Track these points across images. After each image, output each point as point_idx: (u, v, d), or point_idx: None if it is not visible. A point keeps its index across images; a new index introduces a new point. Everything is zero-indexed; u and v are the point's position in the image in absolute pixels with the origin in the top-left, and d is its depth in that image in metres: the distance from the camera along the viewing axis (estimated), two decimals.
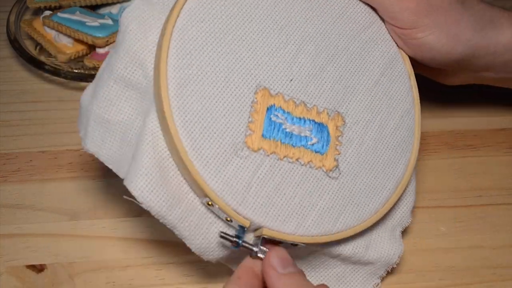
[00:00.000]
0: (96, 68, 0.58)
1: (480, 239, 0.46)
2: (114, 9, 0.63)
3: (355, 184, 0.40)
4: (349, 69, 0.42)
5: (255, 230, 0.37)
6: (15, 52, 0.59)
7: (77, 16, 0.60)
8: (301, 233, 0.38)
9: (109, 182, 0.50)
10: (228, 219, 0.36)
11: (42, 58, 0.59)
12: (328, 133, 0.40)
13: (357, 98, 0.41)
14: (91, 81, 0.56)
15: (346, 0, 0.43)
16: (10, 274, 0.43)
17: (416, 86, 0.44)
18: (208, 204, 0.36)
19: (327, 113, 0.40)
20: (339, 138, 0.40)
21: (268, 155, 0.37)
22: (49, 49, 0.60)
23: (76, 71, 0.58)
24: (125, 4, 0.63)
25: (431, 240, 0.46)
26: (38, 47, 0.61)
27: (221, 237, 0.36)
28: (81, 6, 0.62)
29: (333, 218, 0.39)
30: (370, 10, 0.43)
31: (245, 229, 0.36)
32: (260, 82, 0.38)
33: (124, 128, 0.38)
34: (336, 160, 0.40)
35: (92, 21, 0.59)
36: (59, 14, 0.60)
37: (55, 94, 0.58)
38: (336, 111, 0.40)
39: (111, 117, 0.38)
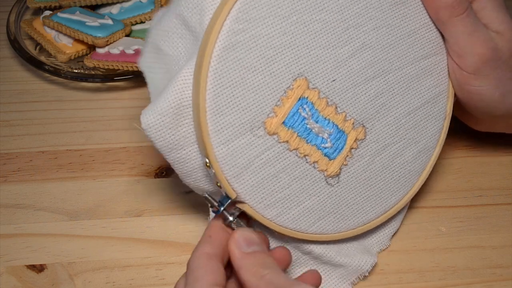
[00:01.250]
0: (96, 68, 0.58)
1: (480, 239, 0.46)
2: (114, 9, 0.63)
3: (346, 197, 0.41)
4: (393, 90, 0.41)
5: (238, 202, 0.38)
6: (15, 52, 0.59)
7: (77, 16, 0.60)
8: (277, 222, 0.39)
9: (109, 182, 0.50)
10: (219, 184, 0.37)
11: (42, 58, 0.59)
12: (345, 143, 0.40)
13: (387, 120, 0.41)
14: (91, 81, 0.57)
15: (422, 21, 0.41)
16: (10, 274, 0.43)
17: (447, 130, 0.44)
18: (206, 165, 0.37)
19: (353, 123, 0.40)
20: (353, 150, 0.40)
21: (280, 142, 0.38)
22: (49, 49, 0.60)
23: (76, 71, 0.58)
24: (125, 4, 0.63)
25: (431, 240, 0.46)
26: (38, 47, 0.61)
27: (206, 198, 0.37)
28: (81, 6, 0.62)
29: (312, 220, 0.40)
30: (439, 40, 0.42)
31: (230, 199, 0.37)
32: (303, 71, 0.38)
33: (171, 61, 0.39)
34: (341, 170, 0.40)
35: (92, 21, 0.59)
36: (59, 14, 0.60)
37: (55, 94, 0.58)
38: (362, 124, 0.40)
39: (164, 47, 0.39)
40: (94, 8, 0.63)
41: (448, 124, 0.44)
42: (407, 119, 0.42)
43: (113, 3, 0.63)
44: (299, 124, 0.38)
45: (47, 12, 0.62)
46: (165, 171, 0.51)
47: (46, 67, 0.57)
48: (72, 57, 0.60)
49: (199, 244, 0.36)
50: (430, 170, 0.44)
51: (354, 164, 0.40)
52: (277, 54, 0.37)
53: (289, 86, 0.38)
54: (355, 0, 0.39)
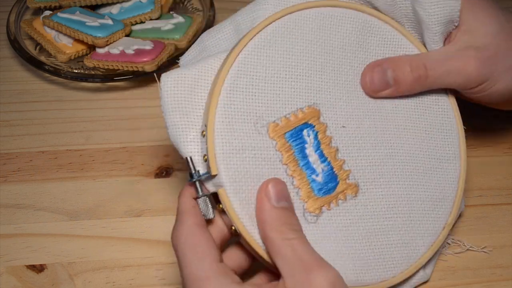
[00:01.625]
0: (96, 68, 0.58)
1: (480, 239, 0.46)
2: (114, 9, 0.63)
3: (316, 240, 0.37)
4: (398, 172, 0.41)
5: (217, 186, 0.36)
6: (15, 52, 0.59)
7: (77, 16, 0.60)
8: (242, 219, 0.36)
9: (109, 182, 0.50)
10: (205, 158, 0.36)
11: (42, 58, 0.59)
12: (334, 188, 0.39)
13: (383, 193, 0.40)
14: (91, 81, 0.57)
15: (450, 120, 0.44)
16: (10, 274, 0.43)
17: (441, 242, 0.41)
18: (202, 133, 0.37)
19: (348, 175, 0.39)
20: (340, 201, 0.39)
21: (275, 150, 0.38)
22: (49, 49, 0.60)
23: (76, 71, 0.58)
24: (125, 4, 0.63)
25: None
26: (38, 47, 0.61)
27: (186, 160, 0.37)
28: (81, 6, 0.62)
29: None
30: (456, 148, 0.43)
31: (209, 175, 0.36)
32: (319, 103, 0.39)
33: (209, 52, 0.42)
34: (322, 211, 0.38)
35: (92, 21, 0.59)
36: (59, 14, 0.60)
37: (55, 94, 0.58)
38: (357, 182, 0.39)
39: (208, 43, 0.42)
40: (94, 8, 0.63)
41: (444, 238, 0.41)
42: (403, 205, 0.40)
43: (113, 3, 0.63)
44: (298, 144, 0.38)
45: (47, 12, 0.62)
46: (165, 171, 0.51)
47: (46, 67, 0.57)
48: (72, 57, 0.60)
49: (182, 216, 0.35)
50: (409, 274, 0.40)
51: (338, 215, 0.38)
52: (303, 74, 0.39)
53: (302, 108, 0.39)
54: None
